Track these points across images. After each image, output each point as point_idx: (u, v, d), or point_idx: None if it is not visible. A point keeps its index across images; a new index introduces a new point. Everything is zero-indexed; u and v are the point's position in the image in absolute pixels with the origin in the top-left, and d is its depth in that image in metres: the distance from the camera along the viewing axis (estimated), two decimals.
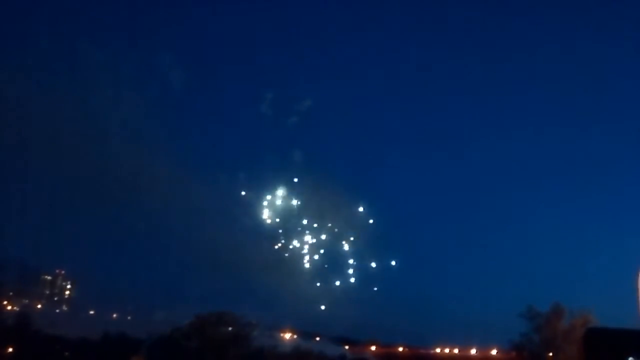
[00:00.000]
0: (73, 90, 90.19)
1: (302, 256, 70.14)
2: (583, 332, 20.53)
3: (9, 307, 77.44)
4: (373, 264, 70.31)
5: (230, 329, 47.15)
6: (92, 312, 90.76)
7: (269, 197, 76.80)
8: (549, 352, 40.66)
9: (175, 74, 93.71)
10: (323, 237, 72.57)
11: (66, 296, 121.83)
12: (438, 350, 54.92)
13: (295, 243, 73.72)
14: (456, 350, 54.02)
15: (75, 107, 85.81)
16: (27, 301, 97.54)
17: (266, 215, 75.64)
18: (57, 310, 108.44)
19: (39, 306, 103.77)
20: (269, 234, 75.50)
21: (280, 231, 75.08)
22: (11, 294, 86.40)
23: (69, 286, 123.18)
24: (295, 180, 78.06)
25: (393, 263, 71.45)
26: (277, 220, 74.65)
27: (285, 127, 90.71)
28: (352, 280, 68.61)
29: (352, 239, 71.81)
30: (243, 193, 78.99)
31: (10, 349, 43.14)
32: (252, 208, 77.88)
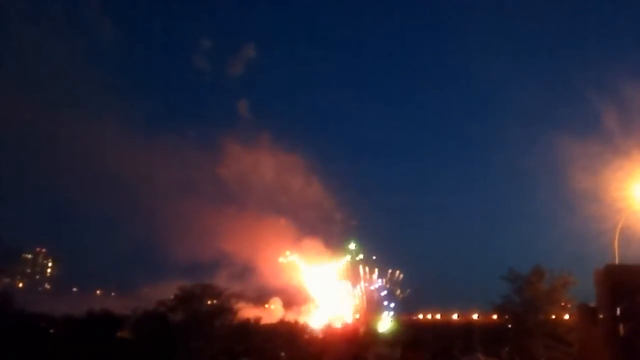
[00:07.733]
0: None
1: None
2: (602, 269, 19.65)
3: None
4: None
5: (215, 301, 47.19)
6: (75, 290, 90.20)
7: None
8: (530, 313, 41.53)
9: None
10: None
11: (48, 274, 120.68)
12: (420, 316, 56.25)
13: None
14: (438, 316, 55.32)
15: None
16: (8, 280, 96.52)
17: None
18: (40, 289, 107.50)
19: (21, 285, 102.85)
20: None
21: None
22: None
23: (50, 264, 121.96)
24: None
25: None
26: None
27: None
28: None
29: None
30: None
31: None
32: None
